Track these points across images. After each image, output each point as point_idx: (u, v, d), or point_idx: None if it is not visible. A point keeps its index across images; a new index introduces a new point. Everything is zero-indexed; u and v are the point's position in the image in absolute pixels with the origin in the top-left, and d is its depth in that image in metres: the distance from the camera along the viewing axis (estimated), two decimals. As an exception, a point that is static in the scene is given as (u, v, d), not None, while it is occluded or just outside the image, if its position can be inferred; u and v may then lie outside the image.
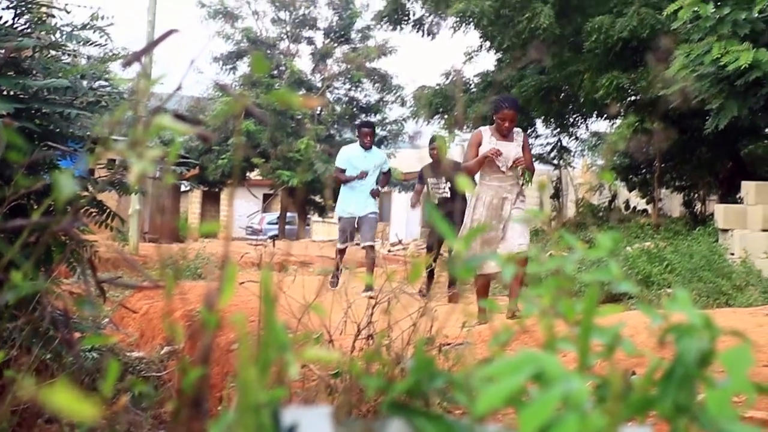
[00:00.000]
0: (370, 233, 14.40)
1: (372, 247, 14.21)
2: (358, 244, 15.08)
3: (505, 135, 10.55)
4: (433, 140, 14.54)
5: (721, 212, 18.26)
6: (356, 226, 14.50)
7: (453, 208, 12.21)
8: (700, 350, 1.30)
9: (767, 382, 4.26)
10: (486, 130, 10.69)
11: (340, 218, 14.73)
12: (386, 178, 14.86)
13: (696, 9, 16.62)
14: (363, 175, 14.31)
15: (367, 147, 14.53)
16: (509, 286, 10.48)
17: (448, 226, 1.52)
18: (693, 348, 1.30)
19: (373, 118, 46.32)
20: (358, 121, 18.91)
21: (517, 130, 10.68)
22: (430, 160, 14.31)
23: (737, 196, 19.45)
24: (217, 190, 51.40)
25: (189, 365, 1.39)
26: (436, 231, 11.89)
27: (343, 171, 14.52)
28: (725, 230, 17.81)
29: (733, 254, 16.44)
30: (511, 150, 10.48)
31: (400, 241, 37.22)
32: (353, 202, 14.37)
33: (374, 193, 14.44)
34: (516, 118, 10.64)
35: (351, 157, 14.54)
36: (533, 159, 11.91)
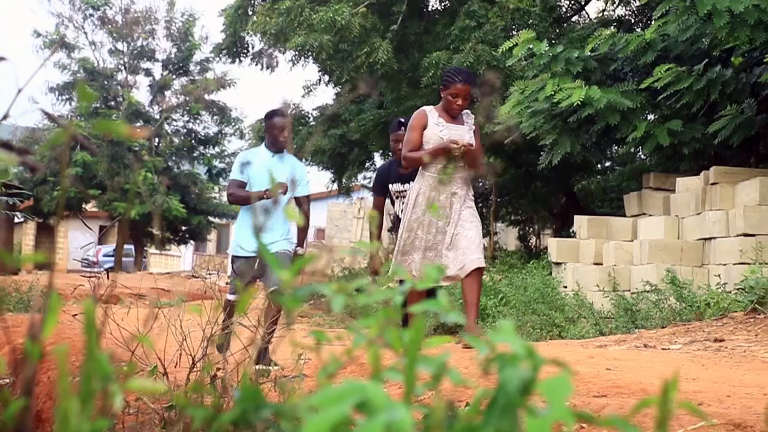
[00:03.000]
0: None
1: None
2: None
3: (455, 116, 8.82)
4: (401, 124, 10.52)
5: (554, 246, 18.60)
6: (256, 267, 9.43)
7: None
8: (522, 379, 1.32)
9: (599, 412, 4.31)
10: (431, 111, 8.88)
11: (233, 258, 9.84)
12: (305, 218, 9.34)
13: (530, 47, 16.94)
14: (276, 193, 9.16)
15: (278, 149, 9.53)
16: (464, 307, 8.67)
17: (272, 255, 1.51)
18: (515, 377, 1.32)
19: (211, 151, 46.15)
20: (266, 112, 10.53)
21: (465, 111, 8.92)
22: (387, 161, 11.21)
23: (570, 230, 19.83)
24: (52, 221, 50.50)
25: (10, 397, 1.36)
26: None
27: (243, 185, 9.52)
28: (558, 263, 18.14)
29: (566, 287, 16.75)
30: (464, 135, 8.74)
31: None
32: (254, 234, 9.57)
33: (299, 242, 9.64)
34: (470, 95, 8.85)
35: (252, 164, 9.64)
36: None
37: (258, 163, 9.49)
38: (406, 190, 9.96)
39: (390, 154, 12.15)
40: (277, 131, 9.44)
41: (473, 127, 8.87)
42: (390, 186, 10.56)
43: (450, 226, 8.78)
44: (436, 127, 8.73)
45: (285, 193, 8.90)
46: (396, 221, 10.26)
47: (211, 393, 2.93)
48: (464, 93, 8.66)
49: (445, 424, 1.29)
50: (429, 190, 8.78)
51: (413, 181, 9.23)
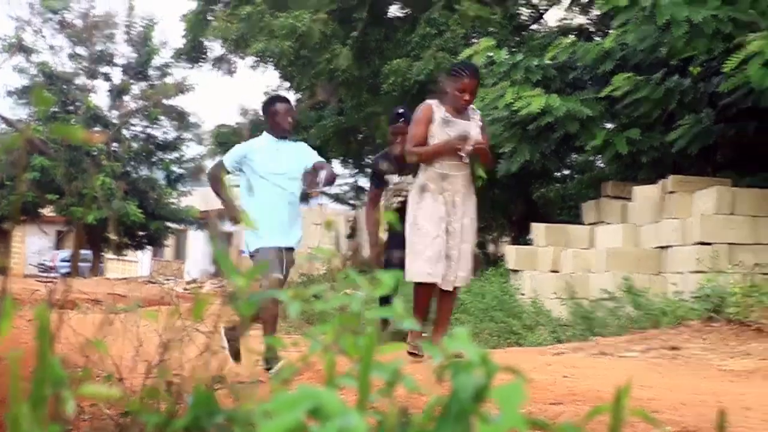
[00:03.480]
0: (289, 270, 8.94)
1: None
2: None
3: (461, 112, 8.34)
4: (400, 116, 9.85)
5: (512, 253, 18.64)
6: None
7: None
8: (476, 386, 1.33)
9: (555, 419, 4.33)
10: (438, 105, 8.35)
11: (254, 252, 8.71)
12: (329, 171, 8.72)
13: (491, 54, 17.02)
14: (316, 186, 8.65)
15: (283, 135, 8.90)
16: (435, 319, 8.51)
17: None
18: (469, 384, 1.33)
19: (170, 156, 45.98)
20: (266, 98, 11.50)
21: (471, 106, 8.49)
22: (386, 153, 10.22)
23: (528, 238, 19.89)
24: (7, 226, 50.14)
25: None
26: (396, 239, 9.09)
27: (227, 173, 8.93)
28: (516, 271, 18.18)
29: (523, 294, 16.79)
30: (471, 132, 8.29)
31: (195, 280, 36.88)
32: (275, 225, 8.55)
33: (312, 186, 8.65)
34: (477, 90, 8.55)
35: (256, 151, 8.81)
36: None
37: (263, 150, 8.84)
38: (400, 183, 9.63)
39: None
40: (281, 117, 8.88)
41: (480, 123, 8.51)
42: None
43: (457, 223, 8.35)
44: (444, 122, 8.26)
45: (313, 188, 8.61)
46: (369, 224, 9.99)
47: (165, 399, 2.93)
48: (471, 88, 8.26)
49: (398, 431, 1.29)
50: (433, 186, 8.27)
51: (407, 174, 9.10)
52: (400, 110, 10.09)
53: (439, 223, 8.26)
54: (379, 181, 10.01)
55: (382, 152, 10.45)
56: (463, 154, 8.18)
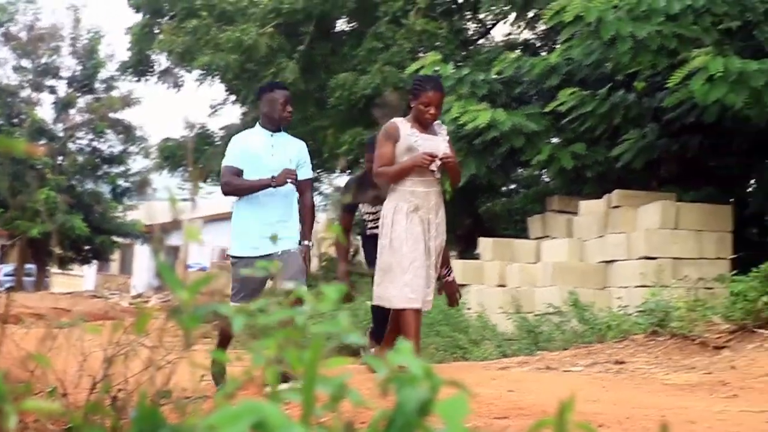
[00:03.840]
0: (300, 276, 8.02)
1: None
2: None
3: (427, 127, 8.05)
4: (371, 141, 9.24)
5: (458, 268, 18.67)
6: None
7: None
8: (420, 400, 1.33)
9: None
10: (402, 122, 8.05)
11: (234, 260, 8.28)
12: (310, 204, 8.48)
13: (437, 69, 17.05)
14: (284, 179, 8.10)
15: (277, 127, 8.36)
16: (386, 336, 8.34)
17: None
18: (413, 397, 1.33)
19: (116, 170, 45.74)
20: (261, 85, 10.64)
21: (437, 121, 8.24)
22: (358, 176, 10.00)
23: (474, 252, 19.92)
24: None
25: None
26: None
27: (240, 173, 8.27)
28: (462, 285, 18.20)
29: (469, 309, 16.81)
30: (439, 147, 8.01)
31: (140, 294, 36.69)
32: (265, 227, 7.93)
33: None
34: (442, 103, 8.31)
35: (250, 147, 8.34)
36: None
37: (255, 145, 8.31)
38: (376, 212, 9.03)
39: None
40: (279, 105, 8.24)
41: (447, 137, 8.23)
42: (360, 207, 9.63)
43: (432, 242, 8.07)
44: (410, 138, 7.92)
45: (295, 179, 8.12)
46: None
47: (109, 414, 2.91)
48: (436, 101, 7.97)
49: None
50: (406, 205, 7.92)
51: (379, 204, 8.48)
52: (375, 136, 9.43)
53: (416, 243, 7.97)
54: (349, 205, 9.65)
55: (356, 176, 10.22)
56: (434, 169, 7.91)
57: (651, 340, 10.61)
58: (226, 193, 8.52)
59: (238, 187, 8.26)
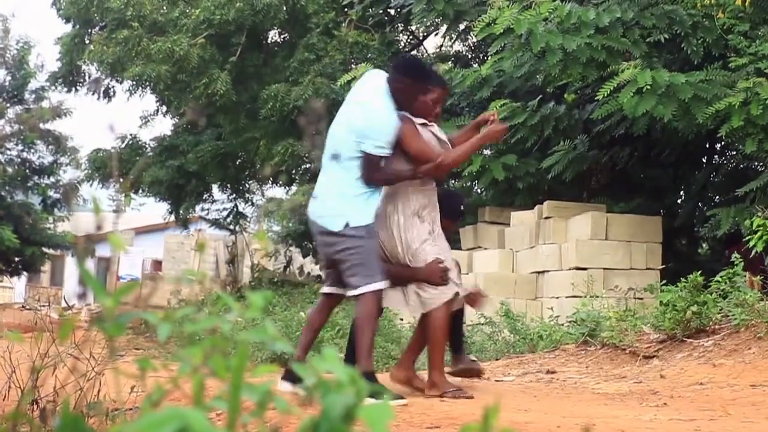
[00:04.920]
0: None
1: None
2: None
3: (428, 123, 7.42)
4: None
5: (391, 278, 18.67)
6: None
7: None
8: (345, 406, 1.33)
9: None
10: (406, 116, 7.21)
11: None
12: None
13: (368, 80, 17.05)
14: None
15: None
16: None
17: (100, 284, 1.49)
18: (338, 404, 1.33)
19: (46, 181, 45.32)
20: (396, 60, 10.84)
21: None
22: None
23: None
24: None
25: None
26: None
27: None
28: (395, 296, 18.20)
29: (402, 320, 16.81)
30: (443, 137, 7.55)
31: (71, 305, 36.32)
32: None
33: None
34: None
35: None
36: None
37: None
38: None
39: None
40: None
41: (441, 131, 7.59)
42: None
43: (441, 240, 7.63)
44: (424, 132, 7.31)
45: None
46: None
47: (33, 423, 2.89)
48: (445, 98, 7.63)
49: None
50: (418, 205, 7.34)
51: None
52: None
53: (438, 239, 7.67)
54: None
55: None
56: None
57: (582, 350, 10.69)
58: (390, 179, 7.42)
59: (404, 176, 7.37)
